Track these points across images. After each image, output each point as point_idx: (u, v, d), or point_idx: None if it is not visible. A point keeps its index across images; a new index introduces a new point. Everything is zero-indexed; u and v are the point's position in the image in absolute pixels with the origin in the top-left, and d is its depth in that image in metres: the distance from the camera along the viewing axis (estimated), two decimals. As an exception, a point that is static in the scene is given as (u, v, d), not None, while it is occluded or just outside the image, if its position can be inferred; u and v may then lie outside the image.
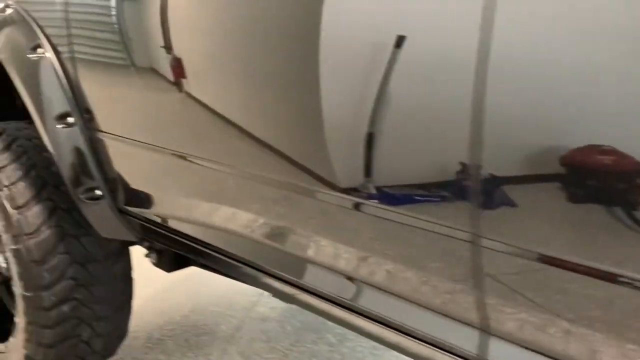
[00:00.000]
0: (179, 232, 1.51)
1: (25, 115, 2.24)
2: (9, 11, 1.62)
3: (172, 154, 1.35)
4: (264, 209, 1.23)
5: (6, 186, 1.66)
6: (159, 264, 1.96)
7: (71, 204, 1.69)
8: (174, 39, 1.27)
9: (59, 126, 1.53)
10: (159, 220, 1.55)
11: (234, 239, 1.34)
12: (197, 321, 2.43)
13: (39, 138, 1.78)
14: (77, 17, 1.46)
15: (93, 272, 1.72)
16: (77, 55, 1.47)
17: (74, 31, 1.47)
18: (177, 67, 1.28)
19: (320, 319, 2.47)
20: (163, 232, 1.56)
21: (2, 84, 2.21)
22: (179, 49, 1.27)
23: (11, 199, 1.64)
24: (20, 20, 1.60)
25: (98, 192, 1.57)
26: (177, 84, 1.29)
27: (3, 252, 1.93)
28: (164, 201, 1.52)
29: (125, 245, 1.80)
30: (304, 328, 2.40)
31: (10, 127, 1.82)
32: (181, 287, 2.66)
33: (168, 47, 1.30)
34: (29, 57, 1.55)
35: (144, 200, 1.55)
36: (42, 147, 1.75)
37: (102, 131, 1.52)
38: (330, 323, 2.43)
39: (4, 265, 1.95)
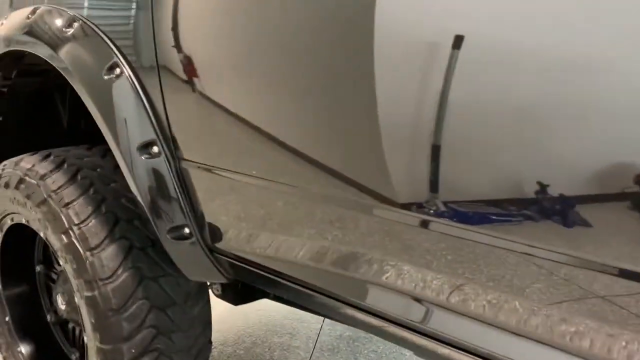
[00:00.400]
0: (272, 269, 1.33)
1: (75, 138, 2.06)
2: (75, 26, 1.42)
3: (265, 182, 1.19)
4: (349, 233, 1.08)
5: (76, 225, 1.46)
6: (223, 296, 1.79)
7: (146, 242, 1.50)
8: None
9: (142, 157, 1.33)
10: (251, 257, 1.36)
11: (319, 267, 1.18)
12: (262, 355, 2.23)
13: (103, 166, 1.59)
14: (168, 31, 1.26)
15: (173, 317, 1.52)
16: (164, 74, 1.28)
17: (162, 47, 1.27)
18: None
19: (396, 347, 2.30)
20: (255, 269, 1.37)
21: (49, 103, 2.03)
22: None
23: (83, 239, 1.45)
24: (89, 37, 1.40)
25: (186, 230, 1.37)
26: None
27: (63, 292, 1.74)
28: (259, 235, 1.33)
29: (203, 284, 1.61)
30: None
31: (70, 154, 1.62)
32: (237, 316, 2.47)
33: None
34: (103, 78, 1.35)
35: (237, 236, 1.36)
36: (108, 177, 1.56)
37: (188, 160, 1.32)
38: (408, 353, 2.25)
39: (62, 307, 1.76)
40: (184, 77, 1.26)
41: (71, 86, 2.00)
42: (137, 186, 1.35)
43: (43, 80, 1.91)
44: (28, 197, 1.55)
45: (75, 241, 1.45)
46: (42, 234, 1.58)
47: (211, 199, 1.35)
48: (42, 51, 1.50)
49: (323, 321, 2.43)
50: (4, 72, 1.82)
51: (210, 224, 1.37)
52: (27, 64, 1.84)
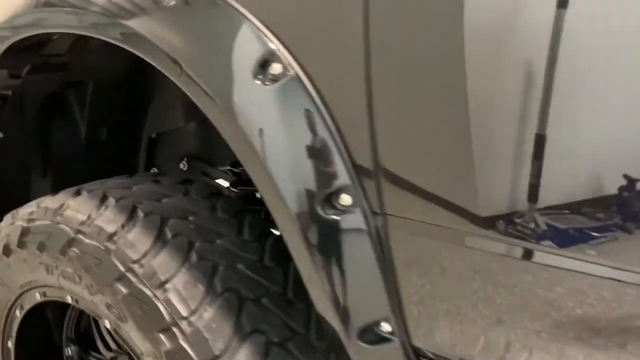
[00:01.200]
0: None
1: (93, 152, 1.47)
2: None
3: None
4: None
5: (185, 318, 0.90)
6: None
7: (285, 333, 0.96)
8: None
9: (326, 213, 0.79)
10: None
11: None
12: None
13: (194, 211, 1.04)
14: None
15: None
16: (381, 74, 0.73)
17: (382, 31, 0.72)
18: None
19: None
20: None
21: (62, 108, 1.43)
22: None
23: (201, 342, 0.89)
24: (218, 9, 0.83)
25: (386, 327, 0.84)
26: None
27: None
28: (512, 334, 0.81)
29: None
30: None
31: (137, 194, 1.06)
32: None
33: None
34: (251, 81, 0.79)
35: (461, 331, 0.84)
36: (209, 230, 1.01)
37: (401, 217, 0.79)
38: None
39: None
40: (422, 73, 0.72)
41: (93, 86, 1.43)
42: (314, 261, 0.80)
43: (63, 76, 1.32)
44: (87, 269, 0.97)
45: (186, 346, 0.89)
46: (107, 324, 1.01)
47: (431, 275, 0.83)
48: (112, 32, 0.92)
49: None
50: (12, 68, 1.22)
51: (420, 316, 0.84)
52: (44, 55, 1.24)
